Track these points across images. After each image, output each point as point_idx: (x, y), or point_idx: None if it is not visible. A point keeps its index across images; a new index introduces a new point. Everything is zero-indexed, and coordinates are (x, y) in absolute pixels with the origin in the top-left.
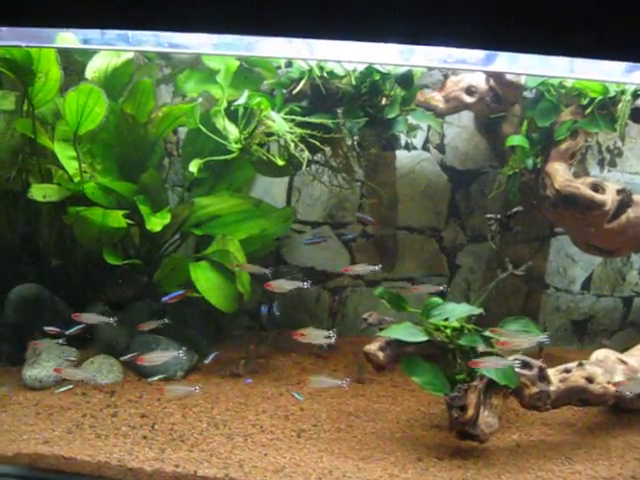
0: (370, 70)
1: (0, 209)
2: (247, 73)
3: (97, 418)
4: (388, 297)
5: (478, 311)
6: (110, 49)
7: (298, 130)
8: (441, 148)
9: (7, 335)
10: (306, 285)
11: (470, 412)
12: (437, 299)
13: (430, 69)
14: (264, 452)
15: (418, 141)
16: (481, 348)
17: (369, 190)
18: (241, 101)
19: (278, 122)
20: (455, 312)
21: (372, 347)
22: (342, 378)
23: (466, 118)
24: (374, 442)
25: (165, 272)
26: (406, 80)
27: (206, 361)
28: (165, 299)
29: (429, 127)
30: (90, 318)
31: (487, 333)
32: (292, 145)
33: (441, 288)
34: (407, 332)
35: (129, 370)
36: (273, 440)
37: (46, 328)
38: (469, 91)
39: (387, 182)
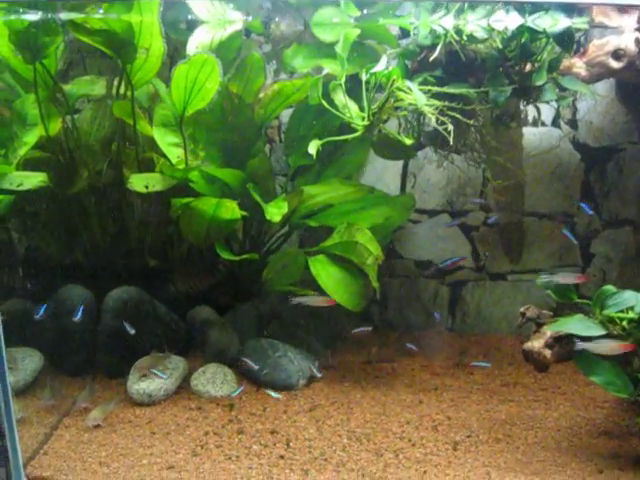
0: (521, 30)
1: (90, 206)
2: (360, 46)
3: (222, 436)
4: (553, 287)
5: None
6: None
7: (436, 102)
8: (573, 123)
9: (106, 344)
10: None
11: None
12: (610, 287)
13: None
14: (422, 469)
15: (547, 116)
16: None
17: (493, 173)
18: (380, 67)
19: (416, 94)
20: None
21: (535, 344)
22: None
23: (601, 88)
24: (541, 453)
25: (275, 269)
26: (566, 38)
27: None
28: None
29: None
30: None
31: None
32: (433, 119)
33: None
34: (581, 325)
35: (244, 379)
36: (428, 455)
37: None
38: (616, 55)
39: (513, 163)
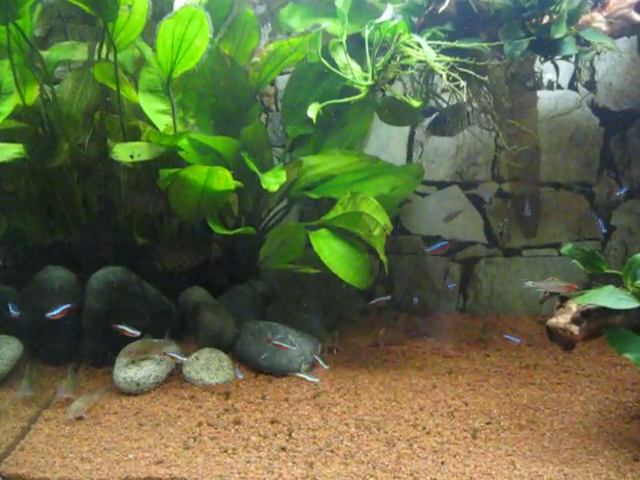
0: None
1: (72, 183)
2: (360, 4)
3: (217, 427)
4: (580, 256)
5: None
6: None
7: (446, 58)
8: (591, 85)
9: (90, 330)
10: None
11: None
12: None
13: None
14: (439, 459)
15: (563, 79)
16: None
17: (507, 139)
18: (386, 16)
19: (425, 48)
20: None
21: (561, 320)
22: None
23: (621, 47)
24: (569, 440)
25: (274, 246)
26: None
27: None
28: (51, 315)
29: (577, 60)
30: None
31: None
32: (444, 76)
33: None
34: (612, 298)
35: (241, 365)
36: (445, 444)
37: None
38: None
39: (527, 129)
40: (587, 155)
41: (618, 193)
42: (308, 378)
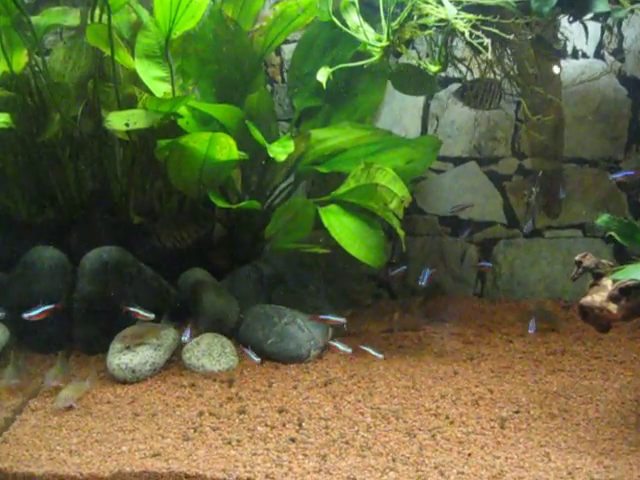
0: None
1: (64, 158)
2: None
3: (219, 417)
4: (618, 227)
5: None
6: None
7: (468, 16)
8: (619, 54)
9: (82, 314)
10: None
11: None
12: None
13: None
14: (466, 451)
15: (590, 47)
16: None
17: (530, 109)
18: None
19: (446, 5)
20: None
21: (597, 298)
22: None
23: None
24: (607, 430)
25: (280, 224)
26: None
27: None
28: (29, 315)
29: (603, 26)
30: None
31: None
32: (467, 33)
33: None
34: None
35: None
36: (470, 434)
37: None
38: None
39: (550, 101)
40: (614, 129)
41: (612, 177)
42: (340, 347)
